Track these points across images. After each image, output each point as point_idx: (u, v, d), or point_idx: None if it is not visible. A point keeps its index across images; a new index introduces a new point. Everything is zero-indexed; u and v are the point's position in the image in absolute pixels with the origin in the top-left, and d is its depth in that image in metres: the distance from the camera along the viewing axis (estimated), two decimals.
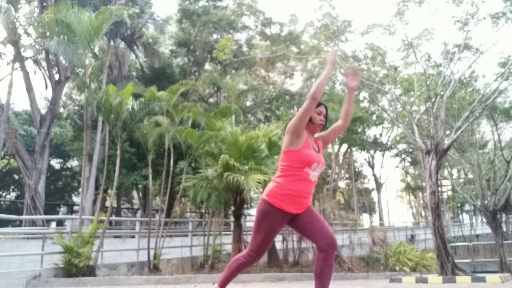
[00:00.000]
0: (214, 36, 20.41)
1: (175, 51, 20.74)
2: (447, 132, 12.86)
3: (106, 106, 8.80)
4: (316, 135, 2.95)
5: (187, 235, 12.77)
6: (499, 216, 13.97)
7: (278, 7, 47.64)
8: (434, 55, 16.97)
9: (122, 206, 24.44)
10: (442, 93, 10.56)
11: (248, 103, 23.23)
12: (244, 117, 17.61)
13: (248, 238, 12.62)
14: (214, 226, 11.99)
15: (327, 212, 12.85)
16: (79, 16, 8.79)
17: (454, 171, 23.70)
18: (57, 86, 15.75)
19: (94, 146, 15.20)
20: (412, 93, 16.09)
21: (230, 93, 16.70)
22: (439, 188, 11.21)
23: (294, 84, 24.47)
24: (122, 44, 18.32)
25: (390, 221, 32.96)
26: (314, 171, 2.74)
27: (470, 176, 18.54)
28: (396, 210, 51.19)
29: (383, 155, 29.22)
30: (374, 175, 30.27)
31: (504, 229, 19.38)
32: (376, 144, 26.72)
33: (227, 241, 12.13)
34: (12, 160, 22.00)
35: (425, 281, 8.20)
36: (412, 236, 18.08)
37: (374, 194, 33.18)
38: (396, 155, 29.51)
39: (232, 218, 12.52)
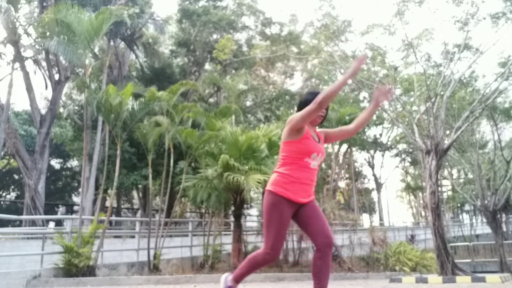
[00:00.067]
0: (214, 36, 20.42)
1: (175, 51, 20.74)
2: (447, 132, 12.86)
3: (106, 106, 8.80)
4: (320, 130, 2.98)
5: (187, 235, 12.77)
6: (499, 216, 13.97)
7: (278, 7, 47.69)
8: (434, 55, 16.97)
9: (122, 206, 24.44)
10: (442, 93, 10.56)
11: (248, 103, 23.24)
12: (244, 117, 17.62)
13: (248, 238, 12.65)
14: (214, 226, 11.98)
15: (327, 212, 12.82)
16: (79, 16, 8.78)
17: (454, 171, 23.70)
18: (57, 86, 15.76)
19: (94, 146, 15.21)
20: (412, 93, 16.08)
21: (230, 93, 16.71)
22: (439, 188, 11.21)
23: (294, 84, 24.51)
24: (122, 44, 18.33)
25: (390, 221, 33.00)
26: (314, 160, 2.78)
27: (470, 176, 18.54)
28: (396, 210, 51.20)
29: (383, 155, 29.23)
30: (374, 175, 30.28)
31: (504, 229, 19.37)
32: (376, 144, 26.72)
33: (227, 241, 12.12)
34: (12, 160, 22.00)
35: (425, 281, 8.20)
36: (412, 236, 18.08)
37: (374, 194, 33.17)
38: (396, 155, 29.51)
39: (232, 218, 12.53)
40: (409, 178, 33.95)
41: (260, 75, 23.31)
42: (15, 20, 14.51)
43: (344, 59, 14.71)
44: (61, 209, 23.68)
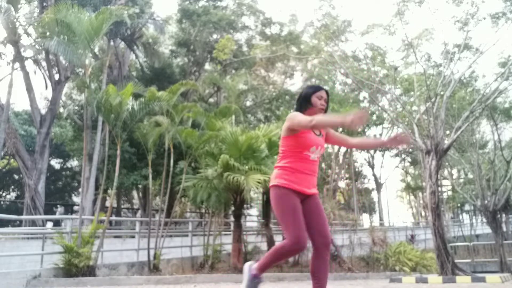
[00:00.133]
0: (214, 36, 20.42)
1: (175, 51, 20.74)
2: (447, 132, 12.86)
3: (106, 106, 8.79)
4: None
5: (187, 235, 12.76)
6: (499, 216, 13.97)
7: (278, 7, 47.72)
8: (434, 55, 16.98)
9: (122, 206, 24.44)
10: (442, 93, 10.56)
11: (248, 103, 23.24)
12: (244, 117, 17.62)
13: (248, 238, 12.63)
14: (214, 226, 11.97)
15: (327, 212, 12.83)
16: (79, 16, 8.78)
17: (454, 171, 23.69)
18: (57, 86, 15.75)
19: (94, 146, 15.20)
20: (412, 93, 16.09)
21: (230, 93, 16.71)
22: (439, 188, 11.21)
23: (294, 84, 24.52)
24: (122, 44, 18.32)
25: (390, 221, 33.01)
26: (313, 153, 2.80)
27: (470, 176, 18.54)
28: (396, 210, 51.19)
29: (383, 155, 29.22)
30: (374, 175, 30.29)
31: (504, 229, 19.37)
32: None
33: (227, 241, 12.12)
34: (12, 160, 22.00)
35: (425, 281, 8.19)
36: (412, 236, 18.08)
37: (374, 194, 33.18)
38: (396, 155, 29.50)
39: (232, 218, 12.52)
40: (409, 178, 33.96)
41: (260, 75, 23.32)
42: (15, 20, 14.51)
43: (344, 59, 14.71)
44: (60, 209, 23.65)
